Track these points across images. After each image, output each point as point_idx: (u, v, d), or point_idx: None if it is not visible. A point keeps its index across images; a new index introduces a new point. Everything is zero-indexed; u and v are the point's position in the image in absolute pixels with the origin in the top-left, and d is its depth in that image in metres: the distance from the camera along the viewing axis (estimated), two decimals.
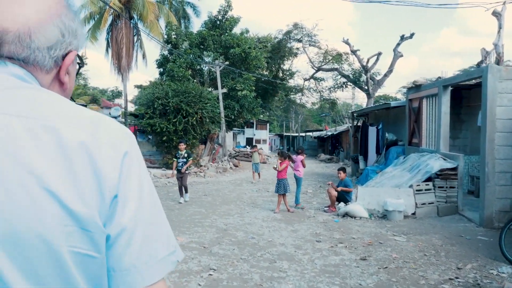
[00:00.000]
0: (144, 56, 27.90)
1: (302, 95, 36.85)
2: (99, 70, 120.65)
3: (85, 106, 24.29)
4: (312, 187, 14.58)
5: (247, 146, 35.16)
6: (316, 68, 32.55)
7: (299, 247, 6.50)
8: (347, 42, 27.66)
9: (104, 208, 0.72)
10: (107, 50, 26.43)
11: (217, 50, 24.67)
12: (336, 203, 9.67)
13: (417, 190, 8.99)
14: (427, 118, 11.30)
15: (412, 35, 24.98)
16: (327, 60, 32.27)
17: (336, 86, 34.19)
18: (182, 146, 10.77)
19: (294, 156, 10.61)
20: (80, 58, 0.92)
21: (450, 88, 10.24)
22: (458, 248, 6.45)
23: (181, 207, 9.86)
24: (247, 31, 27.72)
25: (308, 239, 7.02)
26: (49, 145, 0.69)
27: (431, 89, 10.90)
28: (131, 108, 34.34)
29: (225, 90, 23.33)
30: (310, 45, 32.62)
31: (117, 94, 57.27)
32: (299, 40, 32.34)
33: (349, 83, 32.46)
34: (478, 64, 16.41)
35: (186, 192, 10.66)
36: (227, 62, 23.70)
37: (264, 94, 31.17)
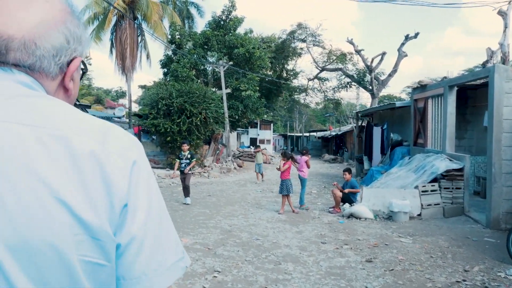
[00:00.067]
0: (148, 57, 27.93)
1: (306, 95, 36.79)
2: (103, 71, 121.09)
3: (89, 106, 24.37)
4: (316, 187, 14.52)
5: (251, 146, 35.11)
6: (320, 68, 32.47)
7: (304, 249, 6.45)
8: (351, 42, 27.58)
9: (114, 217, 0.72)
10: (111, 50, 26.47)
11: (221, 50, 24.64)
12: (341, 204, 9.62)
13: (422, 191, 8.93)
14: (432, 118, 11.22)
15: (416, 34, 24.87)
16: (331, 60, 32.19)
17: (340, 86, 34.10)
18: (185, 147, 10.60)
19: (298, 157, 10.56)
20: (84, 64, 0.91)
21: (456, 88, 10.15)
22: (464, 250, 6.38)
23: (185, 208, 9.84)
24: (251, 31, 27.70)
25: (313, 241, 6.97)
26: (60, 155, 0.70)
27: (436, 89, 10.82)
28: (135, 108, 34.42)
29: (229, 90, 23.30)
30: (314, 45, 32.56)
31: (121, 95, 57.37)
32: (303, 40, 32.28)
33: (353, 83, 32.37)
34: (484, 64, 16.32)
35: (188, 193, 10.44)
36: (231, 62, 23.67)
37: (268, 94, 31.13)
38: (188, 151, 10.54)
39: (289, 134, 61.01)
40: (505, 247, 5.83)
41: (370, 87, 27.91)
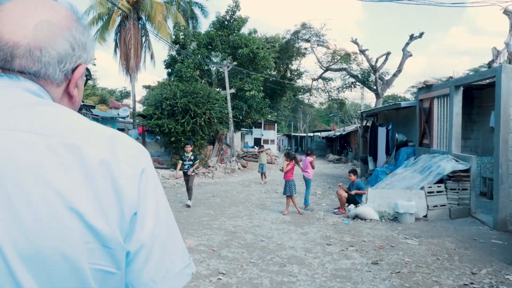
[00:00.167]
0: (152, 57, 27.98)
1: (310, 95, 36.70)
2: (108, 71, 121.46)
3: (94, 107, 24.37)
4: (321, 188, 14.46)
5: (255, 147, 35.05)
6: (324, 68, 32.38)
7: (309, 251, 6.40)
8: (355, 42, 27.48)
9: (124, 225, 0.73)
10: (115, 51, 26.53)
11: (225, 50, 24.62)
12: (346, 204, 9.56)
13: (428, 192, 8.85)
14: (438, 118, 11.14)
15: (421, 34, 24.75)
16: (335, 60, 32.09)
17: (344, 86, 33.99)
18: (189, 148, 10.42)
19: (303, 157, 10.50)
20: (88, 70, 0.92)
21: (462, 88, 10.06)
22: (471, 252, 6.31)
23: (190, 209, 9.79)
24: (255, 31, 27.65)
25: (318, 242, 6.92)
26: (72, 163, 0.70)
27: (442, 89, 10.74)
28: (140, 108, 34.48)
29: (233, 91, 23.27)
30: (318, 45, 32.46)
31: (126, 95, 57.50)
32: (307, 40, 32.20)
33: (357, 83, 32.24)
34: (489, 64, 16.21)
35: (190, 195, 10.23)
36: (235, 63, 23.64)
37: (272, 94, 31.08)
38: (191, 152, 10.36)
39: (293, 134, 60.94)
40: None
41: (375, 87, 27.79)
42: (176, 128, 17.59)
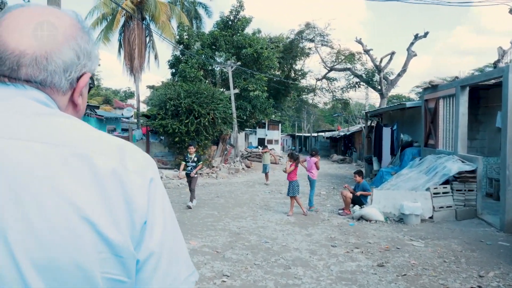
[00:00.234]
0: (156, 57, 28.00)
1: (315, 95, 36.58)
2: (112, 71, 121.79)
3: (98, 107, 24.43)
4: (325, 188, 14.39)
5: (259, 147, 35.04)
6: (328, 68, 32.27)
7: (314, 252, 6.35)
8: (360, 42, 27.38)
9: (135, 234, 0.74)
10: (119, 51, 26.56)
11: (229, 50, 24.57)
12: (351, 205, 9.49)
13: (434, 193, 8.77)
14: (444, 119, 11.05)
15: (426, 34, 24.63)
16: (339, 60, 31.97)
17: (348, 86, 33.86)
18: (192, 149, 10.29)
19: (307, 158, 10.43)
20: (92, 79, 0.92)
21: (468, 89, 9.98)
22: (478, 254, 6.24)
23: (194, 209, 9.75)
24: (259, 31, 27.60)
25: (323, 244, 6.86)
26: (84, 173, 0.71)
27: (448, 89, 10.65)
28: (144, 108, 34.51)
29: (237, 91, 23.22)
30: (322, 45, 32.36)
31: (130, 95, 57.58)
32: (311, 40, 32.10)
33: (362, 83, 32.12)
34: (495, 63, 16.10)
35: (193, 197, 10.11)
36: (239, 63, 23.59)
37: (276, 94, 31.01)
38: (194, 154, 10.25)
39: (297, 134, 60.83)
40: None
41: (379, 87, 27.67)
42: (180, 128, 17.56)
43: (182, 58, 24.33)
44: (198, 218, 8.75)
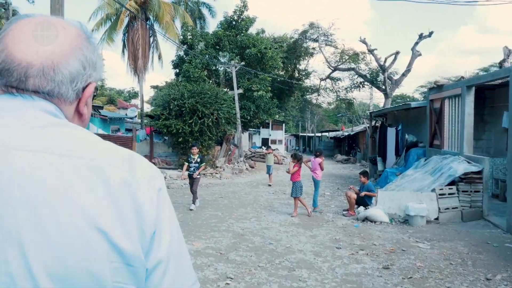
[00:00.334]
0: (160, 57, 28.01)
1: (318, 95, 36.49)
2: (116, 71, 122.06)
3: (102, 107, 24.44)
4: (329, 189, 14.32)
5: (263, 147, 34.95)
6: (332, 68, 32.16)
7: (318, 254, 6.29)
8: (364, 41, 27.26)
9: (145, 244, 0.76)
10: (123, 51, 26.60)
11: (233, 50, 24.54)
12: (355, 206, 9.43)
13: (440, 194, 8.69)
14: (449, 119, 10.96)
15: (431, 33, 24.47)
16: (343, 60, 31.87)
17: (353, 86, 33.73)
18: (195, 150, 10.20)
19: (312, 159, 10.37)
20: (95, 88, 0.92)
21: (474, 89, 9.89)
22: (485, 257, 6.16)
23: (197, 210, 9.71)
24: (263, 31, 27.54)
25: (328, 245, 6.80)
26: (96, 184, 0.72)
27: (453, 89, 10.56)
28: (148, 108, 34.54)
29: (241, 91, 23.18)
30: (326, 44, 32.27)
31: (134, 95, 57.67)
32: (315, 40, 32.01)
33: (366, 83, 31.99)
34: (501, 63, 15.96)
35: (195, 199, 9.98)
36: (243, 63, 23.55)
37: (280, 94, 30.96)
38: (197, 155, 10.16)
39: (301, 134, 60.73)
40: None
41: (383, 87, 27.55)
42: (184, 128, 17.55)
43: (186, 58, 24.31)
44: (202, 219, 8.71)
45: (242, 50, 24.52)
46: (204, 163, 10.32)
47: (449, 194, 8.75)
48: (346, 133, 40.32)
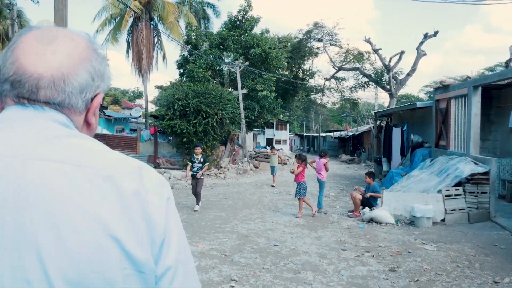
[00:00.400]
0: (164, 57, 28.04)
1: (323, 95, 36.39)
2: (120, 71, 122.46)
3: (106, 107, 24.46)
4: (334, 189, 14.25)
5: (267, 147, 34.89)
6: (337, 68, 32.05)
7: (323, 256, 6.23)
8: (368, 41, 27.15)
9: (154, 251, 0.78)
10: (127, 51, 26.63)
11: (237, 50, 24.50)
12: (361, 207, 9.35)
13: (446, 196, 8.61)
14: (455, 119, 10.86)
15: (436, 33, 24.33)
16: (348, 60, 31.75)
17: (357, 86, 33.62)
18: (198, 150, 10.07)
19: (316, 159, 10.31)
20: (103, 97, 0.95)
21: (480, 89, 9.79)
22: (493, 259, 6.08)
23: (202, 211, 9.66)
24: (267, 31, 27.49)
25: (333, 247, 6.74)
26: (110, 193, 0.75)
27: (460, 89, 10.47)
28: (152, 108, 34.57)
29: (245, 91, 23.15)
30: (330, 44, 32.17)
31: (138, 95, 57.80)
32: (320, 40, 31.92)
33: (370, 82, 31.87)
34: (506, 63, 15.82)
35: (198, 201, 9.86)
36: (247, 63, 23.50)
37: (284, 94, 30.89)
38: (201, 155, 10.04)
39: (305, 134, 60.63)
40: None
41: (388, 87, 27.41)
42: (188, 128, 17.52)
43: (190, 58, 24.31)
44: (206, 220, 8.67)
45: (247, 50, 24.47)
46: (207, 163, 10.21)
47: (455, 195, 8.67)
48: (351, 133, 40.19)
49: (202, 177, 9.99)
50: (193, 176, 9.91)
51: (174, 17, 25.24)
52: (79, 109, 0.85)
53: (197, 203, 9.87)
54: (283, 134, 50.05)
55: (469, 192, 8.70)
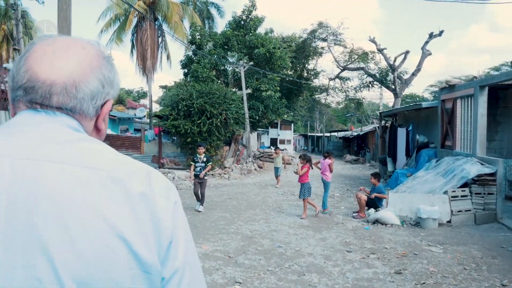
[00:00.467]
0: (168, 57, 28.03)
1: (327, 95, 36.25)
2: (125, 71, 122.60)
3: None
4: (339, 190, 14.17)
5: (271, 147, 34.87)
6: (341, 68, 31.92)
7: (328, 258, 6.17)
8: (373, 41, 27.01)
9: (161, 253, 0.80)
10: (132, 51, 26.64)
11: (242, 50, 24.45)
12: (366, 208, 9.29)
13: (452, 197, 8.52)
14: (461, 119, 10.77)
15: (441, 32, 24.18)
16: (352, 59, 31.62)
17: (362, 86, 33.47)
18: (201, 149, 9.99)
19: (321, 160, 10.25)
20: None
21: (487, 89, 9.69)
22: (500, 261, 6.01)
23: (206, 212, 9.63)
24: (272, 31, 27.43)
25: (338, 249, 6.68)
26: (118, 195, 0.77)
27: (466, 89, 10.37)
28: (156, 108, 34.57)
29: (249, 91, 23.09)
30: (335, 44, 32.05)
31: (143, 95, 57.85)
32: (324, 39, 31.81)
33: (375, 82, 31.73)
34: None
35: (202, 201, 9.85)
36: (251, 63, 23.45)
37: (288, 94, 30.82)
38: (204, 154, 9.95)
39: (309, 134, 60.50)
40: None
41: (393, 87, 27.26)
42: (192, 129, 17.50)
43: (194, 58, 24.28)
44: (210, 221, 8.63)
45: (251, 50, 24.42)
46: (210, 163, 10.13)
47: (462, 196, 8.58)
48: (355, 133, 40.06)
49: (205, 178, 9.93)
50: (196, 176, 9.85)
51: (178, 17, 25.23)
52: (90, 115, 0.88)
53: (201, 203, 9.83)
54: (287, 134, 49.94)
55: (475, 193, 8.61)
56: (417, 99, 48.64)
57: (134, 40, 25.99)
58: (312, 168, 9.63)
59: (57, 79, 0.82)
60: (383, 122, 21.05)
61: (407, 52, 26.54)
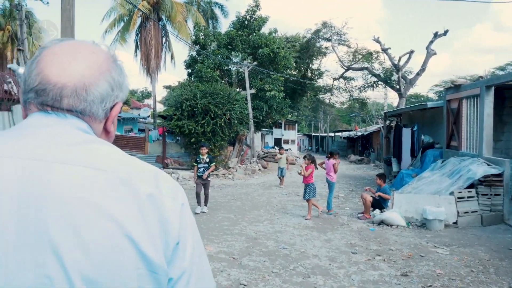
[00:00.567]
0: (172, 57, 28.04)
1: (331, 94, 36.14)
2: (129, 71, 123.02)
3: None
4: (343, 190, 14.10)
5: (276, 147, 34.77)
6: (345, 67, 31.81)
7: (333, 260, 6.12)
8: (377, 40, 26.89)
9: (167, 254, 0.81)
10: (136, 51, 26.68)
11: (245, 50, 24.41)
12: (371, 209, 9.22)
13: (458, 198, 8.44)
14: (467, 120, 10.68)
15: (446, 32, 24.05)
16: (357, 59, 31.51)
17: (366, 86, 33.35)
18: (204, 150, 9.82)
19: (326, 160, 10.18)
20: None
21: (493, 89, 9.60)
22: (507, 263, 5.93)
23: (210, 212, 9.59)
24: (276, 31, 27.37)
25: (343, 250, 6.62)
26: (127, 196, 0.79)
27: (472, 89, 10.28)
28: (160, 108, 34.61)
29: (253, 91, 23.05)
30: (339, 44, 31.95)
31: (147, 95, 57.99)
32: (328, 39, 31.71)
33: (380, 82, 31.60)
34: None
35: (206, 202, 9.78)
36: (255, 63, 23.41)
37: (292, 94, 30.75)
38: (207, 155, 9.80)
39: (313, 134, 60.40)
40: None
41: (398, 87, 27.14)
42: (196, 129, 17.48)
43: (198, 58, 24.27)
44: (215, 222, 8.59)
45: (255, 50, 24.38)
46: (213, 163, 10.00)
47: (468, 197, 8.50)
48: (360, 133, 39.95)
49: (209, 179, 9.85)
50: (199, 177, 9.73)
51: (182, 17, 25.23)
52: (99, 117, 0.89)
53: (205, 204, 9.78)
54: (291, 134, 49.88)
55: (482, 194, 8.53)
56: (422, 99, 48.43)
57: (138, 40, 26.02)
58: (317, 168, 9.57)
59: (67, 82, 0.83)
60: (387, 122, 20.95)
61: (411, 52, 26.41)
